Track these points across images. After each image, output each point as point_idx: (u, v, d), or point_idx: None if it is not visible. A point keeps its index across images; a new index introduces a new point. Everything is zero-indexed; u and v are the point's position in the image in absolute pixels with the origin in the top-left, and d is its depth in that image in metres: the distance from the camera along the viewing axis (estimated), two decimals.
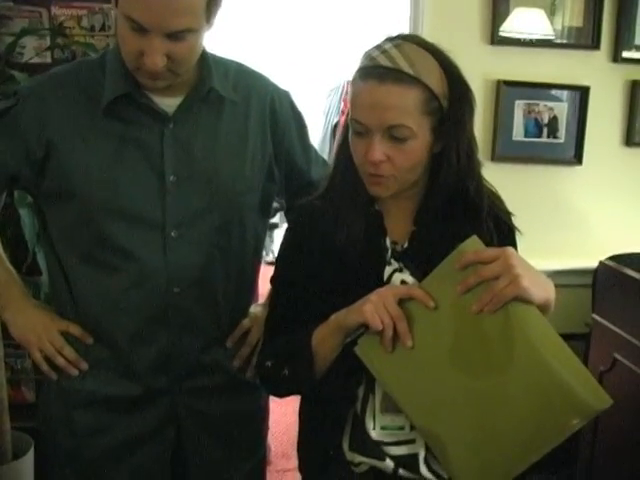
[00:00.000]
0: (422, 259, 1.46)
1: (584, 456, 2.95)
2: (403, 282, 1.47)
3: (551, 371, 1.24)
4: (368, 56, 1.40)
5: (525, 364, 1.26)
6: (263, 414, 2.00)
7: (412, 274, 1.47)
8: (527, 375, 1.26)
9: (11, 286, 1.78)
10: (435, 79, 1.37)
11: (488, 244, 1.41)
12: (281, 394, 1.59)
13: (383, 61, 1.36)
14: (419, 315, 1.34)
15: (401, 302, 1.35)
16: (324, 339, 1.43)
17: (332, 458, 1.50)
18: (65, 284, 1.72)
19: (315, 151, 1.94)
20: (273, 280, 1.60)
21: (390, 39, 1.42)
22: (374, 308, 1.33)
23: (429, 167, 1.47)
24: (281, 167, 1.82)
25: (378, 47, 1.40)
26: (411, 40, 1.41)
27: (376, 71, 1.36)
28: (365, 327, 1.36)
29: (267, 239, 2.81)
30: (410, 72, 1.35)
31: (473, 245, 1.33)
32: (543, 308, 1.32)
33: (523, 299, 1.28)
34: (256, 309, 1.84)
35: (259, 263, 1.89)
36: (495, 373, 1.29)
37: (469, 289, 1.30)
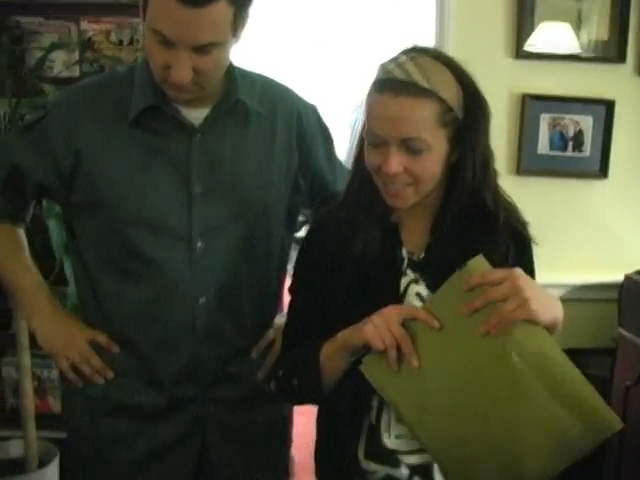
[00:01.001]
0: (438, 270, 1.44)
1: (610, 473, 2.92)
2: (419, 295, 1.47)
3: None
4: (383, 68, 1.39)
5: (532, 381, 1.26)
6: (287, 424, 2.01)
7: (427, 286, 1.47)
8: (535, 391, 1.26)
9: (39, 294, 1.80)
10: (450, 91, 1.37)
11: (504, 255, 1.42)
12: (294, 402, 1.60)
13: (398, 74, 1.36)
14: (424, 335, 1.33)
15: (405, 321, 1.35)
16: (331, 355, 1.44)
17: (348, 466, 1.51)
18: (92, 293, 1.73)
19: (340, 163, 1.95)
20: (290, 289, 1.61)
21: (405, 52, 1.41)
22: (375, 329, 1.33)
23: (445, 177, 1.46)
24: (307, 179, 1.83)
25: (393, 60, 1.40)
26: (426, 52, 1.41)
27: (391, 84, 1.36)
28: (370, 346, 1.36)
29: (292, 252, 2.81)
30: (425, 85, 1.34)
31: (478, 265, 1.32)
32: (550, 329, 1.32)
33: (532, 321, 1.28)
34: (280, 320, 1.83)
35: (284, 275, 1.89)
36: (501, 390, 1.28)
37: (475, 311, 1.30)
